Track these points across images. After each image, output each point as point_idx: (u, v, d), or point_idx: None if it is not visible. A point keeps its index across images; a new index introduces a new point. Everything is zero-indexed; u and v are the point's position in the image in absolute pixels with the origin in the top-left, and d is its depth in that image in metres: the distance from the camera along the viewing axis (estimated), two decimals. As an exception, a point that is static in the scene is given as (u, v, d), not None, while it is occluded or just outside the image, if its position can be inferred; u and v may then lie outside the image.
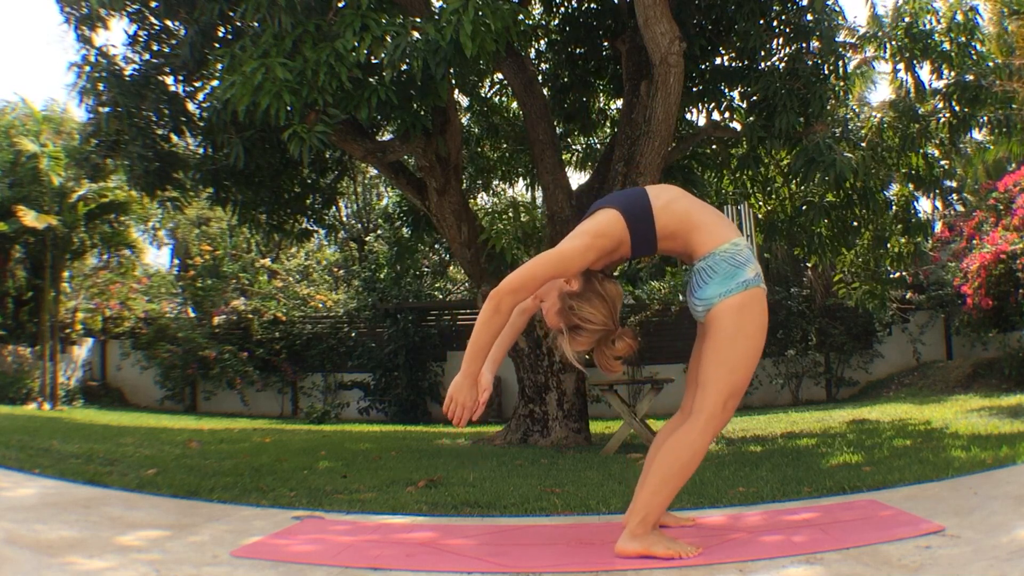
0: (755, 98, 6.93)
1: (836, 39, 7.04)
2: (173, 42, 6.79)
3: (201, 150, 7.46)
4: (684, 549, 2.19)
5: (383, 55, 5.20)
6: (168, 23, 6.79)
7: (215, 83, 6.07)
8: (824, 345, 12.71)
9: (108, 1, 6.11)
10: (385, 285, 14.88)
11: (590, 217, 2.39)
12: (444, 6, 5.27)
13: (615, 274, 2.64)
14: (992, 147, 11.08)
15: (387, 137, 7.90)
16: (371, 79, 5.58)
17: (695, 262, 2.35)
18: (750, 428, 7.80)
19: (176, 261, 22.08)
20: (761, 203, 8.66)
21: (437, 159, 6.66)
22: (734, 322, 2.26)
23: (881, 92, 19.01)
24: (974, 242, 10.99)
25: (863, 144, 7.24)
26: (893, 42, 7.01)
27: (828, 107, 6.86)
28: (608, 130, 9.42)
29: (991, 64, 7.08)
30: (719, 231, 2.35)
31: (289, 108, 4.91)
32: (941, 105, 7.24)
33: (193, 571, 2.18)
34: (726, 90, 7.65)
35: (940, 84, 7.22)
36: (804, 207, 8.10)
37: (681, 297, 13.14)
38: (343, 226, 18.68)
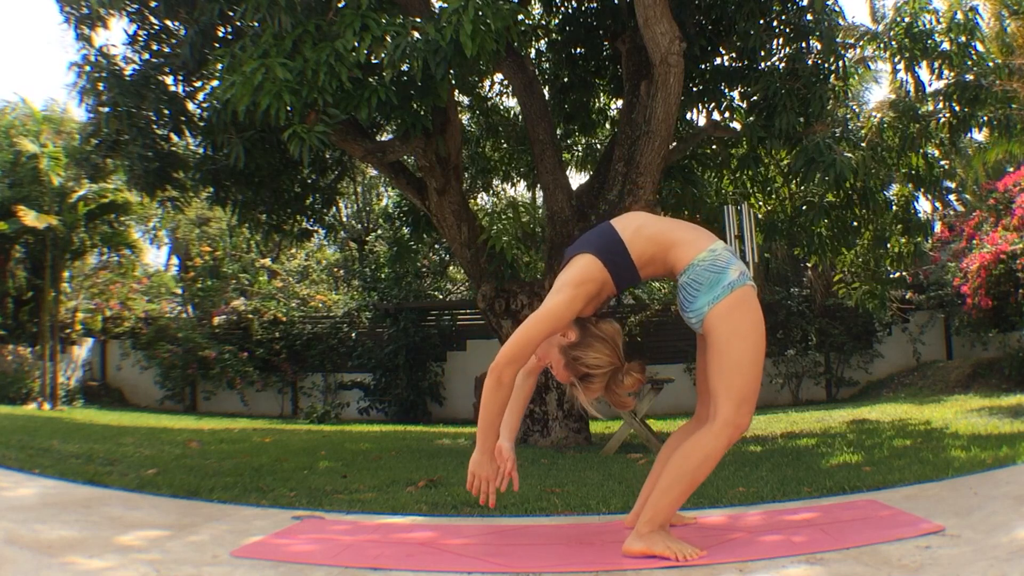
0: (755, 98, 6.92)
1: (836, 39, 7.03)
2: (173, 42, 6.79)
3: (201, 150, 7.45)
4: (686, 550, 2.19)
5: (383, 55, 5.19)
6: (168, 23, 6.78)
7: (215, 83, 6.06)
8: (824, 345, 12.70)
9: (108, 1, 6.11)
10: (385, 285, 14.88)
11: (567, 267, 2.39)
12: (444, 6, 5.26)
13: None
14: (992, 148, 11.08)
15: (387, 137, 7.89)
16: (371, 79, 5.57)
17: (678, 278, 2.35)
18: (750, 428, 7.79)
19: (175, 261, 22.10)
20: (761, 203, 8.65)
21: (437, 159, 6.66)
22: (728, 325, 2.26)
23: (879, 91, 18.93)
24: (974, 242, 10.99)
25: (863, 144, 7.24)
26: (893, 42, 7.01)
27: (828, 107, 6.85)
28: (608, 130, 9.42)
29: (991, 64, 7.08)
30: (694, 242, 2.35)
31: (289, 108, 4.91)
32: (941, 105, 7.23)
33: (193, 571, 2.18)
34: (726, 90, 7.64)
35: (940, 84, 7.22)
36: (804, 207, 8.09)
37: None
38: (343, 226, 18.67)
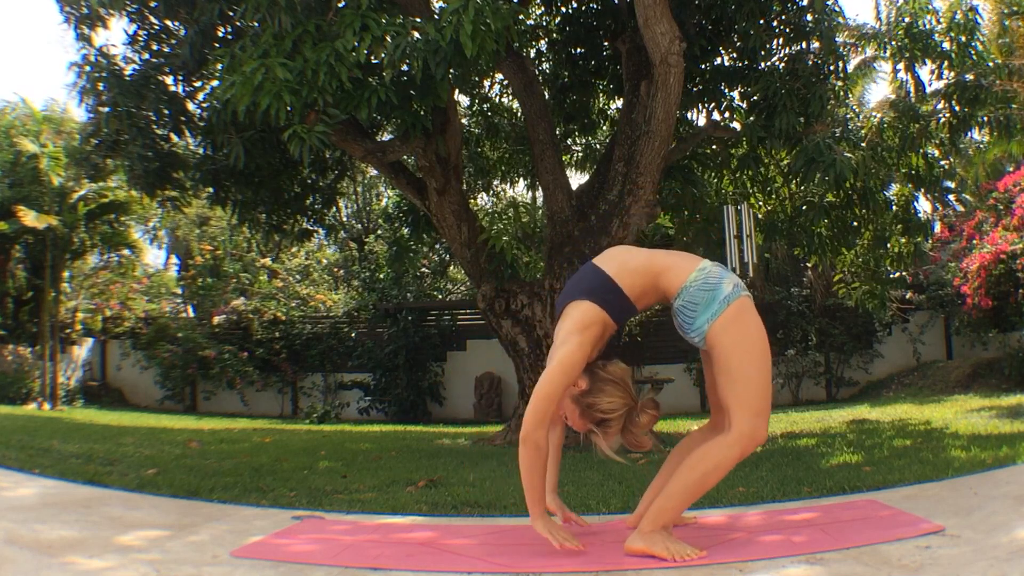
0: (755, 98, 6.92)
1: (836, 39, 7.03)
2: (173, 42, 6.79)
3: (201, 150, 7.45)
4: (685, 551, 2.20)
5: (383, 55, 5.19)
6: (168, 23, 6.78)
7: (215, 83, 6.06)
8: (824, 345, 12.70)
9: (108, 1, 6.11)
10: (385, 285, 14.87)
11: (564, 317, 2.41)
12: (444, 6, 5.26)
13: None
14: (991, 148, 11.09)
15: (387, 137, 7.89)
16: (371, 79, 5.57)
17: (672, 303, 2.38)
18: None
19: (174, 260, 22.10)
20: (761, 203, 8.65)
21: (437, 159, 6.66)
22: (731, 338, 2.29)
23: (881, 91, 18.89)
24: (974, 242, 10.99)
25: (863, 144, 7.24)
26: (893, 42, 7.01)
27: (828, 107, 6.85)
28: (608, 130, 9.42)
29: (991, 64, 7.08)
30: (682, 266, 2.39)
31: (289, 108, 4.91)
32: (941, 105, 7.23)
33: (193, 571, 2.18)
34: (726, 90, 7.64)
35: (940, 84, 7.22)
36: (804, 207, 8.09)
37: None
38: (343, 226, 18.67)
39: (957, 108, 7.05)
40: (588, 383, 2.36)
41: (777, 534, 2.47)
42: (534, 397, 2.31)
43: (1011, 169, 12.27)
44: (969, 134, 7.91)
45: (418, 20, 5.60)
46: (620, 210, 6.53)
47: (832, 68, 6.93)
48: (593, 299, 2.36)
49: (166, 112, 6.66)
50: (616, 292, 2.37)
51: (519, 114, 9.00)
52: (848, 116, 7.94)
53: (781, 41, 7.17)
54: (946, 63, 6.89)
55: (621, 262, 2.44)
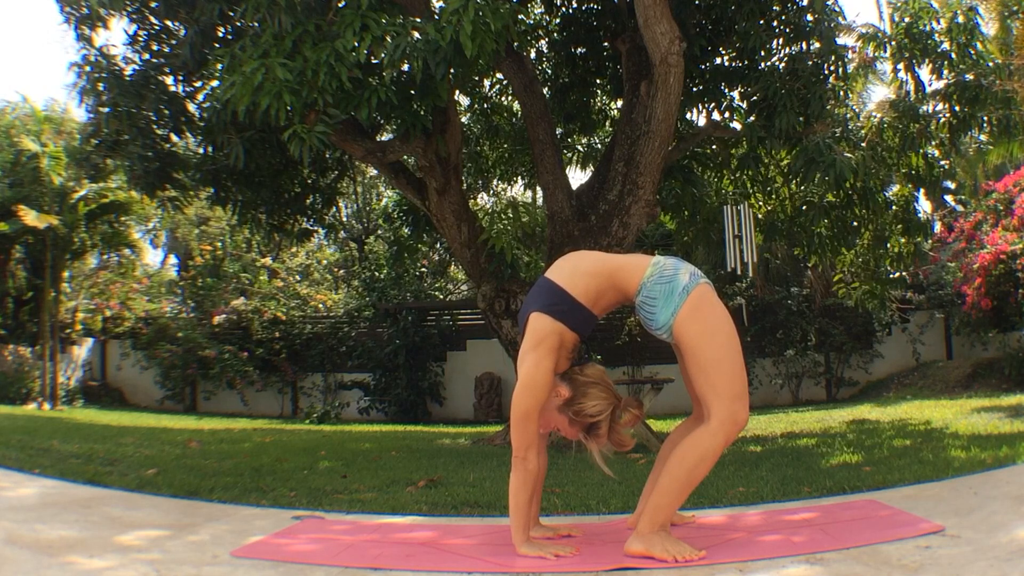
0: (755, 98, 6.92)
1: (836, 40, 7.03)
2: (173, 42, 6.78)
3: (201, 150, 7.45)
4: (684, 552, 2.19)
5: (383, 55, 5.19)
6: (168, 23, 6.78)
7: (215, 83, 6.06)
8: (824, 345, 12.70)
9: (108, 1, 6.11)
10: (385, 285, 14.87)
11: (524, 333, 2.43)
12: (444, 6, 5.26)
13: None
14: (992, 149, 11.08)
15: (387, 137, 7.89)
16: (371, 79, 5.57)
17: (634, 300, 2.39)
18: (750, 428, 7.80)
19: (172, 260, 22.10)
20: (761, 203, 8.65)
21: (437, 159, 6.66)
22: (696, 327, 2.30)
23: (880, 91, 18.85)
24: (973, 243, 10.99)
25: (863, 144, 7.24)
26: (893, 42, 7.01)
27: (828, 107, 6.85)
28: (608, 130, 9.42)
29: (991, 64, 7.08)
30: (636, 263, 2.41)
31: (289, 108, 4.91)
32: (941, 105, 7.23)
33: (193, 571, 2.18)
34: (726, 90, 7.63)
35: (940, 84, 7.22)
36: (804, 207, 8.09)
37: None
38: (343, 226, 18.68)
39: (957, 108, 7.05)
40: (570, 390, 2.37)
41: (777, 534, 2.47)
42: (512, 422, 2.33)
43: (1012, 171, 12.26)
44: (970, 133, 7.91)
45: (418, 20, 5.60)
46: (620, 210, 6.53)
47: (832, 68, 6.93)
48: (544, 310, 2.37)
49: (166, 112, 6.66)
50: (568, 302, 2.38)
51: (519, 114, 9.00)
52: (848, 116, 7.92)
53: (781, 41, 7.16)
54: (946, 63, 6.88)
55: (571, 268, 2.46)
